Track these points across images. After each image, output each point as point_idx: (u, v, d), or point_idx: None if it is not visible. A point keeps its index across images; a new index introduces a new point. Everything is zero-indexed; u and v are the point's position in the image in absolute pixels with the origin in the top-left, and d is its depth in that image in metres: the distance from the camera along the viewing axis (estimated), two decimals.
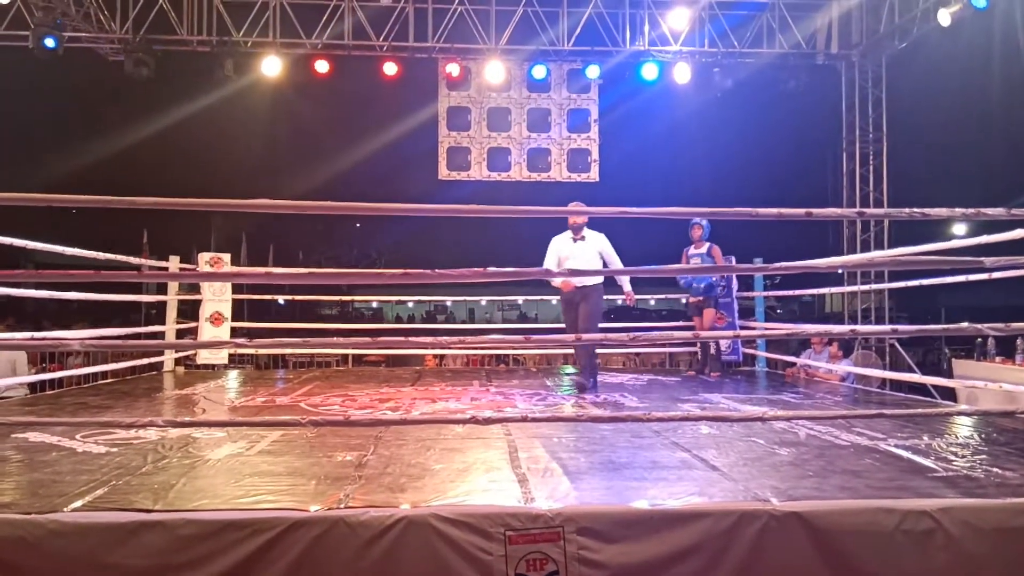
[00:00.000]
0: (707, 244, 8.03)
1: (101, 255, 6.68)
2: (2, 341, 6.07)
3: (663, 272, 3.83)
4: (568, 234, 6.66)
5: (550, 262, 6.64)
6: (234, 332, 8.88)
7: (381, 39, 10.59)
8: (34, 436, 4.13)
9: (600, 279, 6.54)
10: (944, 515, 2.81)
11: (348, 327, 13.85)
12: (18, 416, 4.82)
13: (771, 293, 10.87)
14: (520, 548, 2.68)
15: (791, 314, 25.48)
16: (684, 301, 8.64)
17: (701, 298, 8.13)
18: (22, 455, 3.76)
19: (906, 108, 12.14)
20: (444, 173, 11.04)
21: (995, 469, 3.46)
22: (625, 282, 6.96)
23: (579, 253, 6.56)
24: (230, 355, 9.13)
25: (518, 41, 10.77)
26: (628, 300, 7.15)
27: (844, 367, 8.19)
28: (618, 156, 12.56)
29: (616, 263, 6.55)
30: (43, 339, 5.95)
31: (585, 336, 5.90)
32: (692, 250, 8.09)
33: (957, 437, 4.34)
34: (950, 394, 7.46)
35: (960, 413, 5.11)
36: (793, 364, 8.75)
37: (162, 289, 9.03)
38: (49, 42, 9.64)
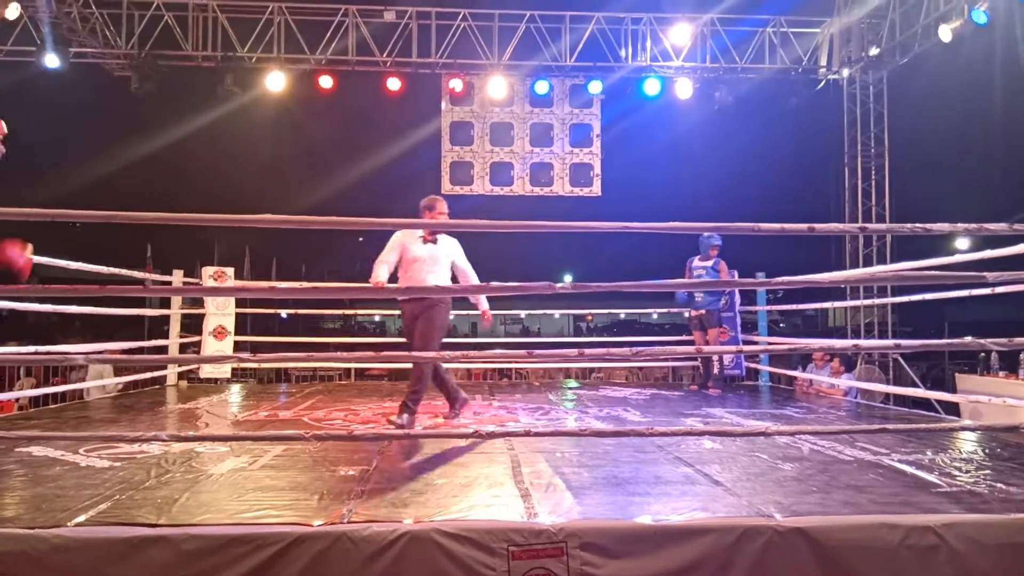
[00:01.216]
0: (714, 258, 7.99)
1: (105, 269, 6.70)
2: (9, 356, 6.07)
3: (665, 287, 3.84)
4: (418, 233, 5.55)
5: (389, 258, 5.53)
6: (237, 346, 8.89)
7: (385, 55, 10.66)
8: (37, 450, 4.13)
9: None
10: (948, 531, 2.80)
11: (351, 341, 13.86)
12: (21, 430, 4.83)
13: (774, 307, 10.87)
14: (523, 563, 2.68)
15: (794, 328, 25.45)
16: (686, 315, 8.61)
17: (703, 312, 8.09)
18: (25, 469, 3.77)
19: (908, 123, 12.18)
20: (447, 187, 11.07)
21: (999, 484, 3.45)
22: (482, 300, 5.85)
23: (431, 256, 5.52)
24: (233, 369, 9.13)
25: (521, 57, 10.84)
26: (485, 320, 6.03)
27: (847, 382, 8.17)
28: (620, 171, 12.59)
29: (470, 275, 5.68)
30: (48, 353, 5.96)
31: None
32: (697, 262, 8.04)
33: (961, 452, 4.33)
34: (953, 409, 7.45)
35: (964, 428, 5.11)
36: (796, 379, 8.73)
37: (165, 303, 9.05)
38: (51, 61, 9.72)
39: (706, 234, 7.88)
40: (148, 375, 8.32)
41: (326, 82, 10.71)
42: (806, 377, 8.55)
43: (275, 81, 10.56)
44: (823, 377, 8.38)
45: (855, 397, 7.81)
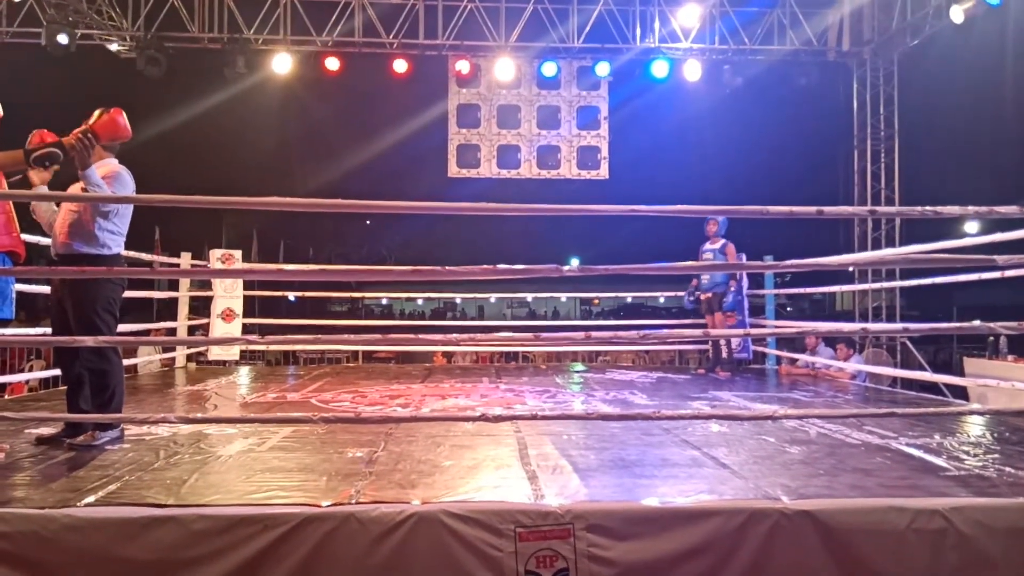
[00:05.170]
0: (722, 241, 8.01)
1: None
2: (19, 338, 6.10)
3: (672, 270, 3.82)
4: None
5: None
6: (245, 328, 8.92)
7: (391, 36, 10.60)
8: (47, 431, 4.15)
9: (99, 249, 4.01)
10: (956, 514, 2.80)
11: (358, 324, 13.89)
12: (31, 412, 4.86)
13: (782, 291, 10.86)
14: (530, 545, 2.69)
15: (801, 312, 25.42)
16: (689, 299, 8.59)
17: (711, 295, 8.12)
18: (36, 450, 3.79)
19: (918, 105, 12.07)
20: (454, 170, 11.04)
21: (1007, 468, 3.44)
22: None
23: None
24: (241, 351, 9.17)
25: (528, 38, 10.76)
26: None
27: (855, 365, 8.15)
28: (628, 153, 12.53)
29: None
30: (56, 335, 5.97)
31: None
32: (707, 245, 8.09)
33: (969, 436, 4.32)
34: (961, 393, 7.43)
35: (972, 412, 5.09)
36: (795, 361, 8.72)
37: (174, 285, 9.08)
38: (62, 38, 9.70)
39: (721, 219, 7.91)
40: (157, 357, 8.35)
41: (332, 64, 10.65)
42: (813, 360, 8.53)
43: (281, 63, 10.52)
44: (830, 360, 8.35)
45: (863, 381, 7.79)
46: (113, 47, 10.54)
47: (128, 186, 4.08)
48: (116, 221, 4.06)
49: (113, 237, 4.08)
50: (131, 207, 4.17)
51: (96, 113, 4.02)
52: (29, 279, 5.82)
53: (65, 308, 3.98)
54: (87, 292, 3.93)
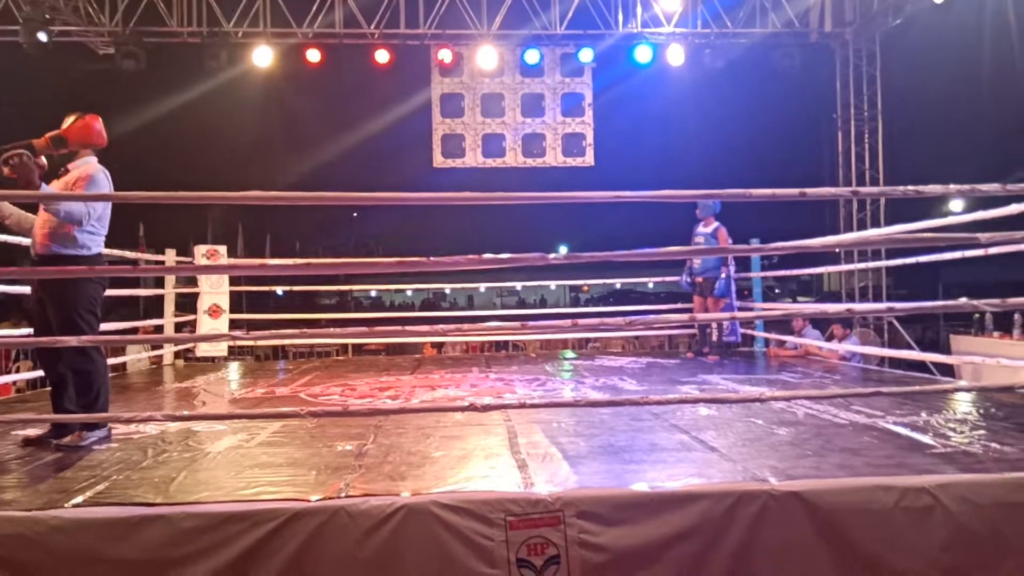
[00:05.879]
0: (715, 224, 8.01)
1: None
2: (5, 339, 6.06)
3: (657, 255, 3.82)
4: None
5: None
6: (233, 324, 8.88)
7: (372, 27, 10.53)
8: (34, 432, 4.13)
9: (79, 250, 3.94)
10: (943, 491, 2.82)
11: (347, 316, 13.86)
12: (18, 413, 4.83)
13: (768, 273, 10.87)
14: (521, 533, 2.69)
15: (790, 294, 25.50)
16: (683, 281, 8.61)
17: (702, 279, 8.13)
18: (22, 452, 3.77)
19: (900, 85, 12.08)
20: (439, 160, 10.99)
21: (993, 444, 3.48)
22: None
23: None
24: (230, 347, 9.13)
25: (510, 26, 10.71)
26: None
27: (844, 346, 8.19)
28: (613, 139, 12.49)
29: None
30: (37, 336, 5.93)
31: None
32: (700, 228, 8.10)
33: (955, 413, 4.36)
34: (948, 370, 7.49)
35: (958, 389, 5.13)
36: (783, 343, 8.75)
37: (160, 283, 9.03)
38: (42, 36, 9.59)
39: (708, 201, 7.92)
40: (144, 355, 8.32)
41: (314, 56, 10.58)
42: (801, 342, 8.57)
43: (262, 56, 10.44)
44: (822, 342, 8.38)
45: (858, 361, 7.82)
46: (91, 43, 10.43)
47: (103, 188, 4.00)
48: (94, 222, 3.98)
49: (93, 238, 4.03)
50: (110, 208, 4.12)
51: (71, 119, 3.98)
52: (14, 280, 5.78)
53: (46, 309, 3.92)
54: (67, 294, 3.86)
